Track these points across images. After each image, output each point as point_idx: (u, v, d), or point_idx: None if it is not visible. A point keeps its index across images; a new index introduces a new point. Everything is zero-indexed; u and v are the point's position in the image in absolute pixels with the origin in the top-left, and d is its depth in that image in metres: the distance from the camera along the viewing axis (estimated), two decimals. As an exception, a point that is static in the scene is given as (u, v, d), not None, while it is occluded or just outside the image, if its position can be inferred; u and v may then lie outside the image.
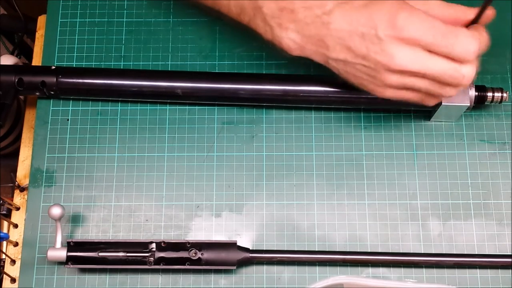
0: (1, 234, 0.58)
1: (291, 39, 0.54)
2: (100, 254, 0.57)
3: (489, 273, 0.59)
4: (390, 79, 0.52)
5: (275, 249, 0.60)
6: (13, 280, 0.60)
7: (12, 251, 0.62)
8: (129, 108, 0.66)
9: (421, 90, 0.53)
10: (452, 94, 0.54)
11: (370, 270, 0.59)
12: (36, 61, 0.69)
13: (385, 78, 0.52)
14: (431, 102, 0.56)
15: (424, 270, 0.59)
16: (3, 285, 0.60)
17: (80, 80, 0.64)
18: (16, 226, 0.63)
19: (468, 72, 0.51)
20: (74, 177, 0.63)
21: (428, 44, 0.50)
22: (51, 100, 0.66)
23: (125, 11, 0.70)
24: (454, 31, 0.50)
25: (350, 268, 0.60)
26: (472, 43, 0.50)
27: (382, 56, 0.50)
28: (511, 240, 0.60)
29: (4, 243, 0.63)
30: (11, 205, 0.63)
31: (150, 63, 0.68)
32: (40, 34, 0.71)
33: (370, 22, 0.50)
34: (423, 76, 0.51)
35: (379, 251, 0.60)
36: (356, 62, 0.52)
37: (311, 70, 0.65)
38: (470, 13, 0.53)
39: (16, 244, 0.62)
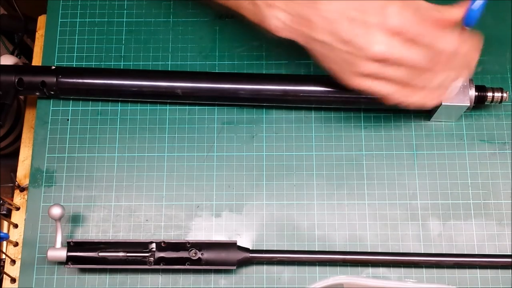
0: (1, 234, 0.58)
1: (278, 18, 0.53)
2: (100, 254, 0.57)
3: (489, 273, 0.59)
4: (368, 67, 0.52)
5: (275, 249, 0.60)
6: (13, 280, 0.60)
7: (12, 251, 0.62)
8: (129, 108, 0.66)
9: (395, 81, 0.53)
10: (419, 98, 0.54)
11: (370, 270, 0.59)
12: (36, 61, 0.69)
13: (363, 66, 0.52)
14: (401, 98, 0.56)
15: (424, 270, 0.59)
16: (3, 285, 0.60)
17: (80, 80, 0.64)
18: (16, 226, 0.63)
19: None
20: (74, 177, 0.63)
21: (414, 37, 0.51)
22: (51, 100, 0.66)
23: (125, 11, 0.70)
24: (441, 29, 0.51)
25: (350, 268, 0.60)
26: (454, 44, 0.52)
27: (367, 43, 0.51)
28: (511, 240, 0.60)
29: (4, 243, 0.63)
30: (11, 205, 0.63)
31: (150, 63, 0.68)
32: (40, 34, 0.71)
33: (361, 7, 0.50)
34: (400, 64, 0.52)
35: (379, 251, 0.60)
36: (338, 47, 0.52)
37: (311, 70, 0.65)
38: (455, 11, 0.53)
39: (16, 244, 0.62)
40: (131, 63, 0.68)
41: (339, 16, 0.51)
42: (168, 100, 0.65)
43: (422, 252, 0.60)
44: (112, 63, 0.68)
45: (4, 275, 0.60)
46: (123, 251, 0.57)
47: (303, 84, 0.62)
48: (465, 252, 0.60)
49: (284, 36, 0.54)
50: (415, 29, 0.51)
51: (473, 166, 0.63)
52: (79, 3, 0.70)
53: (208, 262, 0.58)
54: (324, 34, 0.52)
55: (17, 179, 0.65)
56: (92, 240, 0.59)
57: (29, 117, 0.68)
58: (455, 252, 0.60)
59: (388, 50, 0.51)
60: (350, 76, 0.54)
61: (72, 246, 0.58)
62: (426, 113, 0.64)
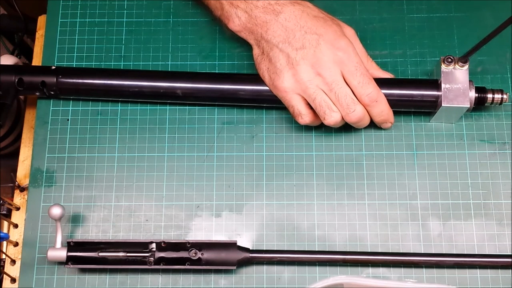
0: (1, 234, 0.58)
1: (238, 16, 0.59)
2: (100, 254, 0.57)
3: (489, 273, 0.59)
4: (305, 75, 0.57)
5: (275, 249, 0.60)
6: (13, 280, 0.60)
7: (12, 251, 0.62)
8: (129, 108, 0.66)
9: (318, 103, 0.57)
10: (333, 121, 0.58)
11: (370, 270, 0.60)
12: (36, 61, 0.69)
13: (302, 73, 0.56)
14: (315, 121, 0.60)
15: (424, 270, 0.59)
16: (3, 285, 0.61)
17: (80, 80, 0.64)
18: (16, 226, 0.63)
19: (358, 111, 0.57)
20: (74, 177, 0.63)
21: (348, 72, 0.57)
22: (51, 100, 0.66)
23: (125, 11, 0.70)
24: (371, 78, 0.58)
25: (350, 268, 0.60)
26: (376, 94, 0.57)
27: (312, 56, 0.56)
28: (511, 240, 0.60)
29: (4, 243, 0.63)
30: (11, 205, 0.63)
31: (150, 63, 0.68)
32: (40, 34, 0.71)
33: (317, 30, 0.57)
34: (329, 91, 0.57)
35: (379, 251, 0.60)
36: (284, 50, 0.57)
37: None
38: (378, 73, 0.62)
39: (16, 244, 0.62)
40: (131, 63, 0.68)
41: (296, 26, 0.57)
42: (168, 101, 0.65)
43: (422, 252, 0.60)
44: (112, 63, 0.68)
45: (4, 275, 0.60)
46: (123, 251, 0.58)
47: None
48: (465, 252, 0.60)
49: (237, 31, 0.60)
50: (353, 65, 0.56)
51: (473, 166, 0.63)
52: (79, 3, 0.70)
53: (208, 262, 0.58)
54: (278, 37, 0.57)
55: (17, 179, 0.65)
56: (92, 240, 0.59)
57: (29, 117, 0.68)
58: (455, 252, 0.60)
59: (326, 70, 0.56)
60: (278, 82, 0.58)
61: (72, 246, 0.58)
62: (426, 114, 0.64)
